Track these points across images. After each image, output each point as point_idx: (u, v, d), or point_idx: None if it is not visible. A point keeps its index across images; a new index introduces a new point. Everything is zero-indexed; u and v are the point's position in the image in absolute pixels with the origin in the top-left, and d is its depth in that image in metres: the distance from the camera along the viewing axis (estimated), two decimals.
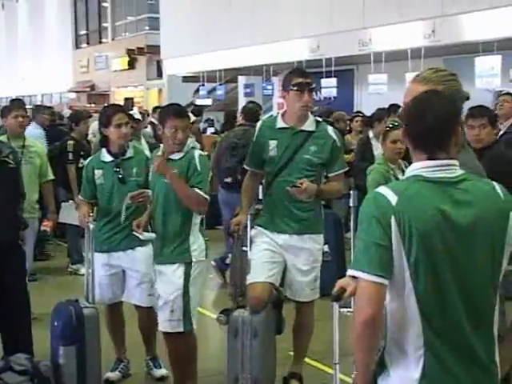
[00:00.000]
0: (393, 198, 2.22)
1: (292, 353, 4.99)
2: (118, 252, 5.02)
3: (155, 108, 13.73)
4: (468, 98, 2.70)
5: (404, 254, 2.21)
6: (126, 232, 4.94)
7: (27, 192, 6.22)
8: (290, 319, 4.89)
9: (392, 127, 5.22)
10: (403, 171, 5.46)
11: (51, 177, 6.72)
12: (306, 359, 5.03)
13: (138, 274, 5.03)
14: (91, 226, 4.91)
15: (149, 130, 10.68)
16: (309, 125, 4.65)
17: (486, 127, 5.20)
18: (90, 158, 5.27)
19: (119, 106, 5.38)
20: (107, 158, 5.03)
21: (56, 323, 4.59)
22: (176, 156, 4.41)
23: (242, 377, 4.52)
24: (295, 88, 4.56)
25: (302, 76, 4.63)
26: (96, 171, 5.03)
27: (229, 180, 7.74)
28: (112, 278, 5.07)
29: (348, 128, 10.29)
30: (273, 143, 4.66)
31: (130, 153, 5.06)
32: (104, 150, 5.07)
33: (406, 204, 2.21)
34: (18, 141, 6.37)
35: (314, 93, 4.74)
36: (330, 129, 4.78)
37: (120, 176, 4.99)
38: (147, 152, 5.35)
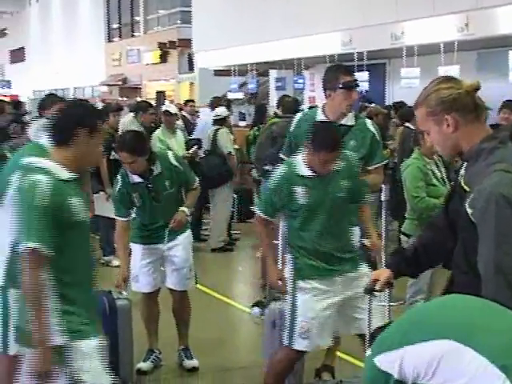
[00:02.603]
0: None
1: None
2: (158, 244, 5.09)
3: (187, 101, 13.78)
4: (478, 89, 2.66)
5: None
6: (167, 230, 5.02)
7: None
8: None
9: None
10: (438, 166, 5.44)
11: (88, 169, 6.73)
12: (338, 352, 5.03)
13: (178, 260, 5.13)
14: (124, 294, 4.90)
15: (180, 123, 10.71)
16: (348, 119, 4.66)
17: None
18: (120, 181, 5.07)
19: (128, 142, 4.94)
20: (136, 178, 5.01)
21: None
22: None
23: None
24: (344, 87, 4.57)
25: (349, 74, 4.66)
26: (133, 194, 5.01)
27: (268, 167, 7.77)
28: (152, 267, 5.15)
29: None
30: None
31: (157, 169, 5.01)
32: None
33: None
34: None
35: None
36: (368, 122, 4.81)
37: (153, 195, 5.03)
38: (173, 160, 5.14)
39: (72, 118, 3.18)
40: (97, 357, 3.12)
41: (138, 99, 23.26)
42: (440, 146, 2.71)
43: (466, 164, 2.68)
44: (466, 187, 2.59)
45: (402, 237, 5.54)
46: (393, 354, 2.02)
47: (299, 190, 4.14)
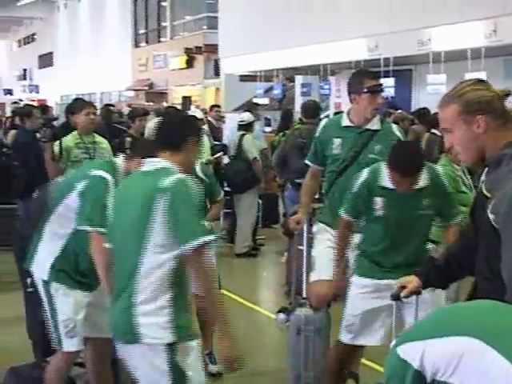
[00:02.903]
0: None
1: None
2: None
3: (212, 106, 13.83)
4: (509, 95, 2.67)
5: None
6: None
7: None
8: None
9: None
10: (464, 173, 5.41)
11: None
12: (362, 359, 5.02)
13: None
14: None
15: (205, 127, 10.74)
16: (374, 123, 4.66)
17: None
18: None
19: None
20: None
21: None
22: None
23: (304, 375, 4.51)
24: (369, 90, 4.57)
25: (374, 78, 4.67)
26: None
27: (300, 181, 7.77)
28: None
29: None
30: (337, 141, 4.68)
31: None
32: None
33: None
34: (88, 137, 6.45)
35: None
36: (394, 127, 4.82)
37: None
38: (199, 171, 5.14)
39: (186, 126, 3.45)
40: (199, 355, 3.30)
41: (165, 104, 23.39)
42: (463, 147, 2.66)
43: (486, 170, 2.66)
44: (487, 193, 2.58)
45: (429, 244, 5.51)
46: (415, 345, 2.02)
47: (378, 201, 4.13)
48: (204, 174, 5.17)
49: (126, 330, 3.19)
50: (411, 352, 2.02)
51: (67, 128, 6.25)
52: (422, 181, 4.05)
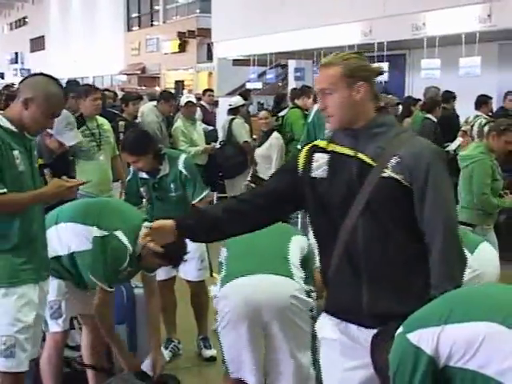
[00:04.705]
0: None
1: None
2: None
3: (205, 91, 13.76)
4: (381, 73, 2.75)
5: None
6: None
7: (106, 172, 6.33)
8: None
9: None
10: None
11: (117, 152, 6.74)
12: None
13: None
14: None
15: (198, 111, 10.68)
16: None
17: None
18: (131, 172, 5.18)
19: (128, 142, 5.01)
20: (143, 174, 5.05)
21: None
22: None
23: None
24: None
25: None
26: (141, 188, 5.09)
27: None
28: None
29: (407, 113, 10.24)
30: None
31: (164, 170, 4.99)
32: None
33: None
34: (92, 122, 6.40)
35: None
36: None
37: (157, 195, 5.05)
38: (181, 165, 4.99)
39: None
40: None
41: (157, 89, 23.29)
42: (340, 111, 2.64)
43: (351, 136, 2.65)
44: (369, 160, 2.57)
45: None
46: (430, 331, 1.99)
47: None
48: (187, 168, 5.03)
49: None
50: (425, 338, 1.98)
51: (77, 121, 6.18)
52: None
